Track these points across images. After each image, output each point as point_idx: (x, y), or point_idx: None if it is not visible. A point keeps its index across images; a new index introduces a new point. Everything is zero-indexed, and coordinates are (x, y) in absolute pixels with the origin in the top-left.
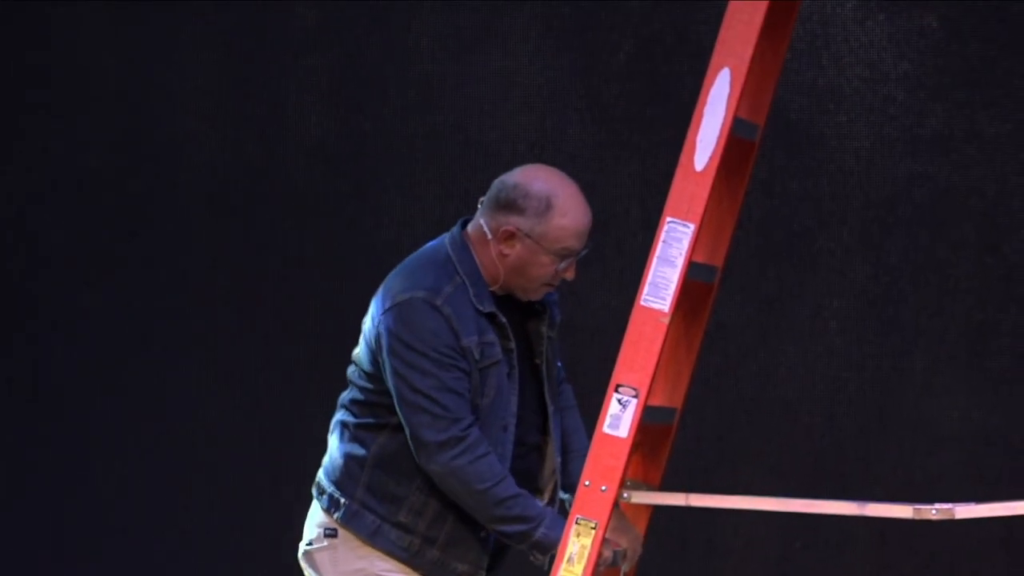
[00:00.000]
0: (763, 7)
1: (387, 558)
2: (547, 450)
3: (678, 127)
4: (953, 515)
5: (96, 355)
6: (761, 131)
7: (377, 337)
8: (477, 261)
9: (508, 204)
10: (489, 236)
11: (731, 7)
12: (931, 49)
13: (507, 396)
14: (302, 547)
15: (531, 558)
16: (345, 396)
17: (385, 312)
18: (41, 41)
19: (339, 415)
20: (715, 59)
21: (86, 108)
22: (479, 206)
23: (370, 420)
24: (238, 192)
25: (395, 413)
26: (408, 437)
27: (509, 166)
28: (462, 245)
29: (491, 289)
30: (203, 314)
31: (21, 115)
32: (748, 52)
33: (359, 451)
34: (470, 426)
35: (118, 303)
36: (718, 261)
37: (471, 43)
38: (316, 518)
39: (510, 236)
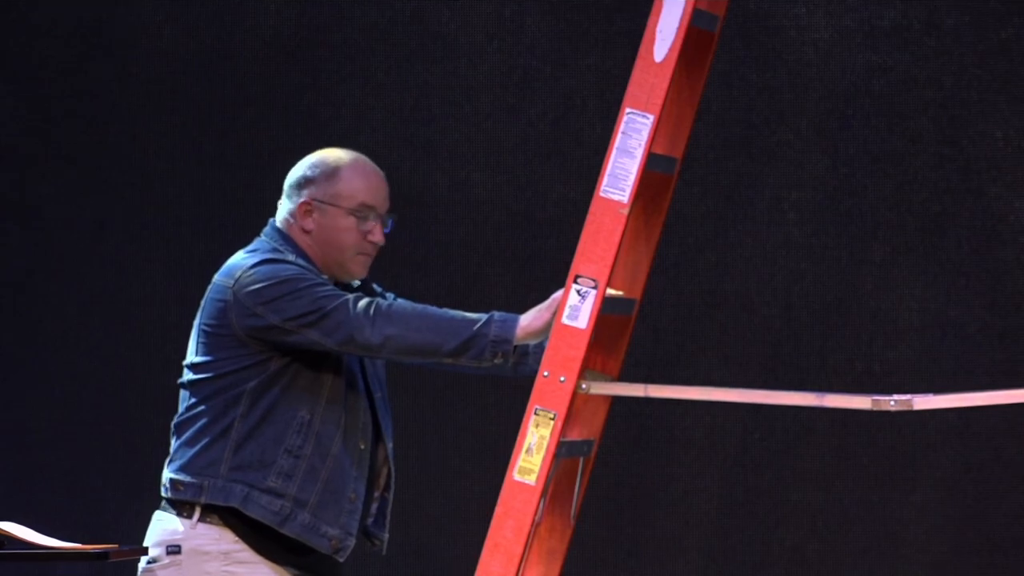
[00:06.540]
0: None
1: (233, 564)
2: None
3: (637, 17)
4: (911, 406)
5: (51, 244)
6: (720, 22)
7: (229, 309)
8: (300, 246)
9: (300, 182)
10: (293, 221)
11: None
12: None
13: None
14: (141, 566)
15: (496, 360)
16: (185, 403)
17: (235, 283)
18: None
19: (182, 416)
20: None
21: None
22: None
23: (220, 401)
24: (195, 81)
25: (246, 380)
26: (329, 338)
27: (467, 56)
28: (281, 236)
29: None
30: (162, 210)
31: None
32: None
33: (218, 435)
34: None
35: (73, 192)
36: (677, 152)
37: None
38: (160, 533)
39: (308, 210)
